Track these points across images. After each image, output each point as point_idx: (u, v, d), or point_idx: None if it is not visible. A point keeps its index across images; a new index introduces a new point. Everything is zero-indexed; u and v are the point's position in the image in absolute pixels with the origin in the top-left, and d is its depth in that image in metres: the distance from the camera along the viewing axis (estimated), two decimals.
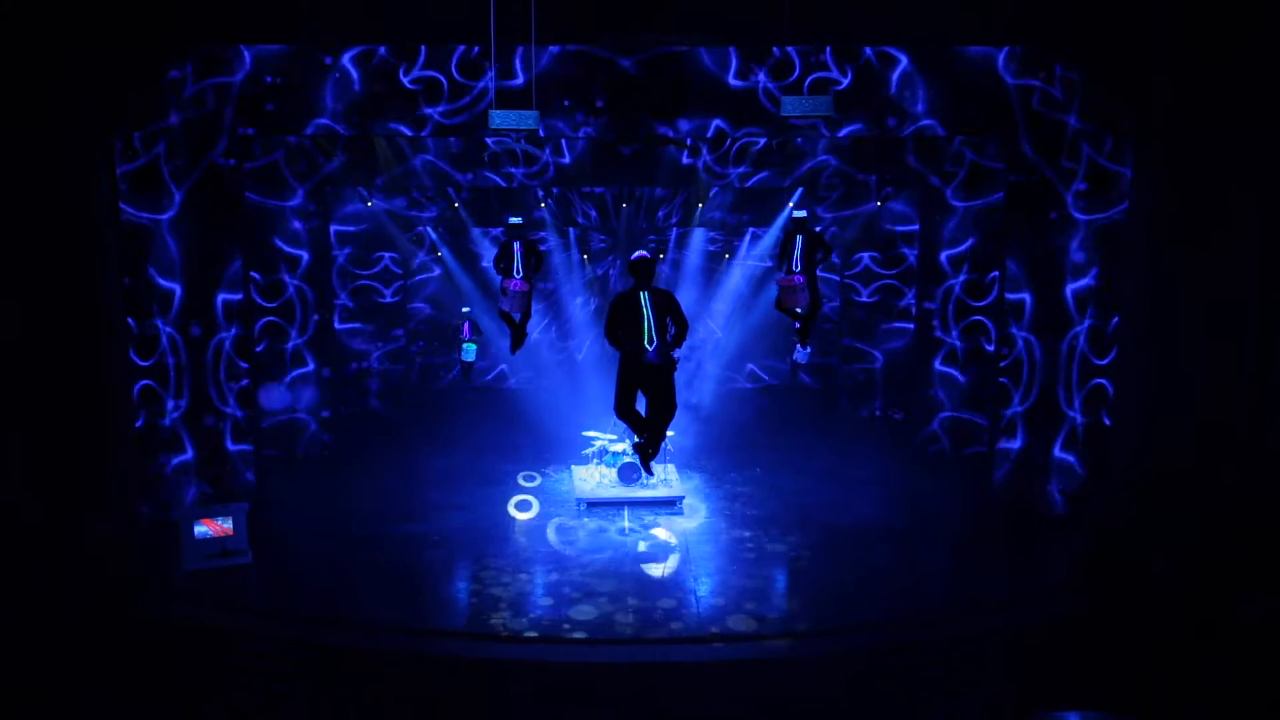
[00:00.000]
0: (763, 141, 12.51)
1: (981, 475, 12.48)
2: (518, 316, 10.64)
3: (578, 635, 9.13)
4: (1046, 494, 11.88)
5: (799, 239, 9.84)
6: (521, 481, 13.49)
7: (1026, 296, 11.61)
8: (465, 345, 15.07)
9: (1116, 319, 11.11)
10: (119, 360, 10.91)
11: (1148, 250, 10.28)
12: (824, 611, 9.64)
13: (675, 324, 6.79)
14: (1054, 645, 9.00)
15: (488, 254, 16.04)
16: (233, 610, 9.63)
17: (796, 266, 9.75)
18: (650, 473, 7.65)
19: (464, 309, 15.61)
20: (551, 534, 11.81)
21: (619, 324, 6.67)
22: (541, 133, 9.33)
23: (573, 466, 13.98)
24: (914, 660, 8.74)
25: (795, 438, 15.27)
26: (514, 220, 11.00)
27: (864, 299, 15.70)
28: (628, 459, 12.91)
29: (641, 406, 7.31)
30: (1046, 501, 11.87)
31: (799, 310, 10.00)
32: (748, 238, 16.38)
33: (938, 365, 14.34)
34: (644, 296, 6.66)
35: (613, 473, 13.12)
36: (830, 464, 14.45)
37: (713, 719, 8.19)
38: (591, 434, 13.78)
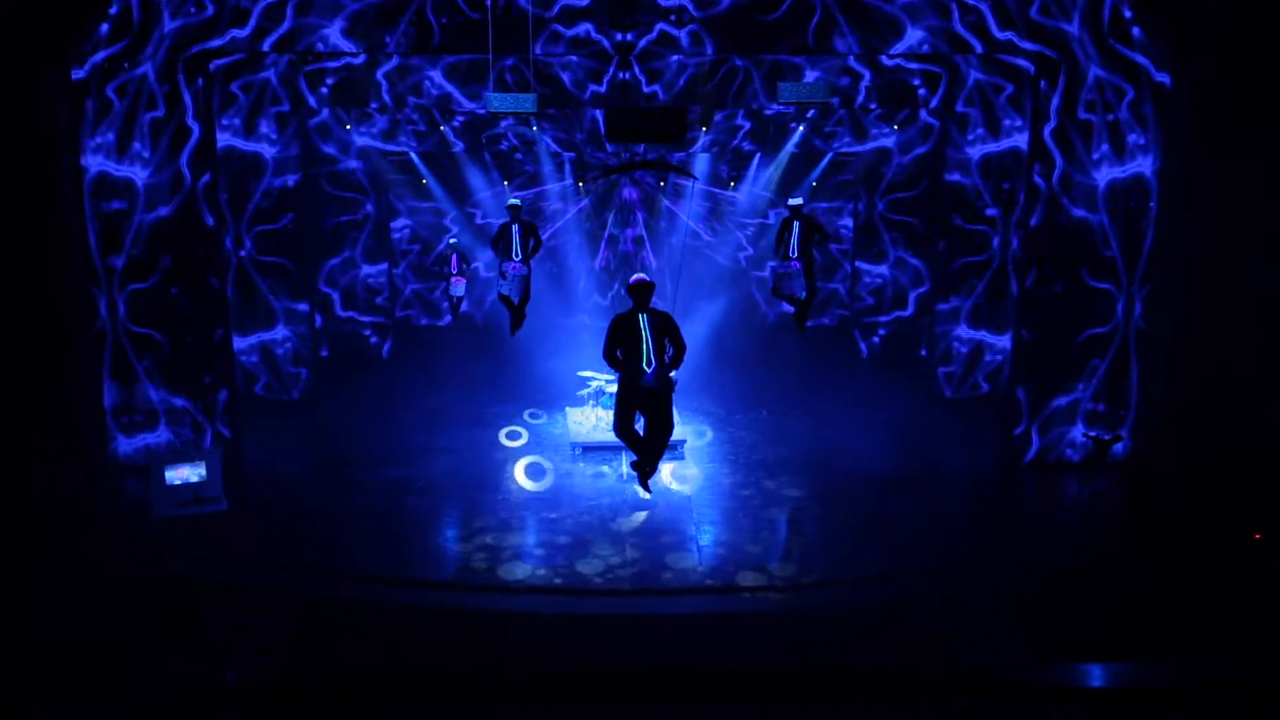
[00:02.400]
0: None
1: (1003, 417, 12.41)
2: (516, 299, 10.85)
3: (572, 586, 9.12)
4: (1073, 437, 11.87)
5: (795, 226, 10.19)
6: (527, 419, 13.69)
7: None
8: (453, 279, 14.86)
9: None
10: (80, 289, 10.76)
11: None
12: (831, 562, 9.64)
13: (673, 345, 7.08)
14: (1079, 595, 9.00)
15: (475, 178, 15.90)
16: (206, 560, 9.60)
17: (793, 253, 10.13)
18: (649, 490, 7.90)
19: (450, 239, 15.35)
20: (534, 476, 11.74)
21: (618, 345, 6.96)
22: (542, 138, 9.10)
23: (567, 408, 13.91)
24: (926, 613, 8.74)
25: (807, 373, 15.24)
26: (513, 201, 11.19)
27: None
28: None
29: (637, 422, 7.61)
30: (1072, 444, 11.86)
31: (799, 296, 10.30)
32: (755, 163, 16.03)
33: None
34: (643, 318, 6.93)
35: (609, 415, 12.95)
36: (842, 405, 14.39)
37: (714, 672, 8.24)
38: (587, 374, 13.68)
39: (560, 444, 13.08)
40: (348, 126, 14.75)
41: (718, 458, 12.74)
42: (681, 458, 12.42)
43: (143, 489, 10.57)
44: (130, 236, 11.11)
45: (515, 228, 10.85)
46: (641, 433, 7.37)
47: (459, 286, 14.76)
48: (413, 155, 15.77)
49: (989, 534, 10.25)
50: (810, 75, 12.46)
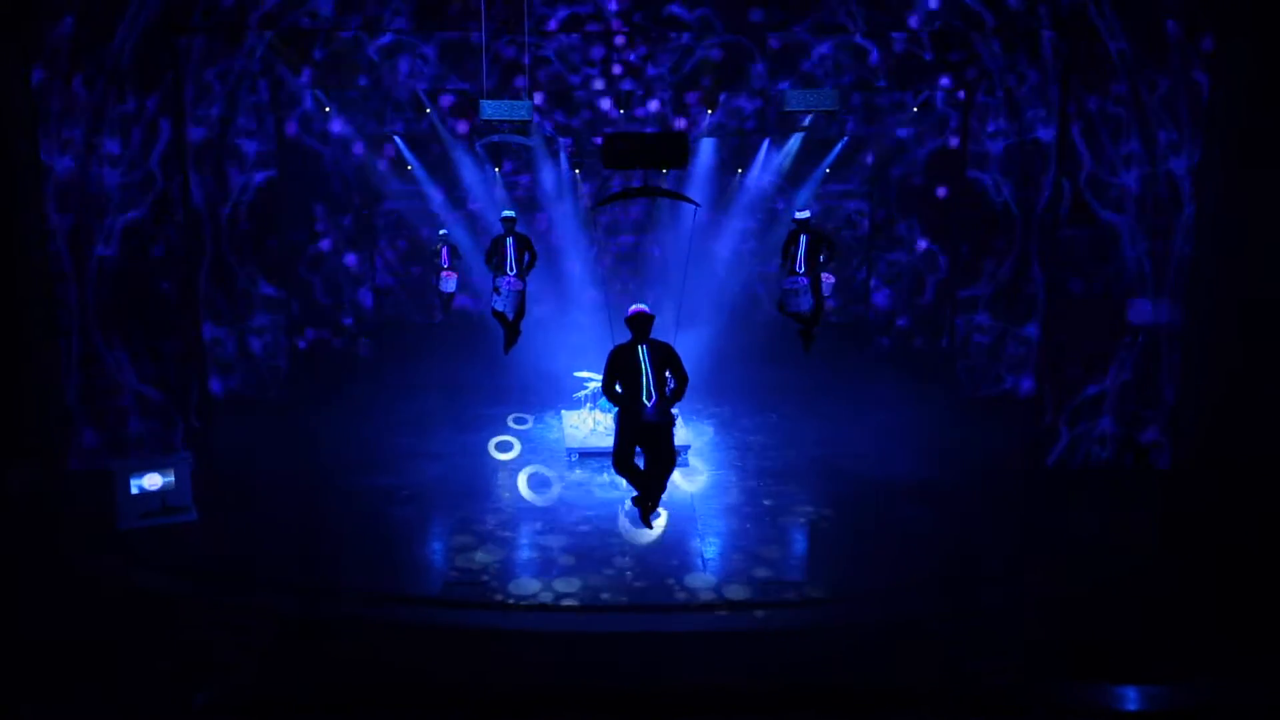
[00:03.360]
0: None
1: (1026, 416, 12.09)
2: (511, 315, 10.68)
3: (568, 603, 8.76)
4: (1100, 437, 11.50)
5: (803, 240, 10.03)
6: (512, 424, 13.19)
7: None
8: (443, 275, 14.47)
9: None
10: (38, 274, 10.37)
11: None
12: (842, 574, 9.30)
13: (674, 377, 7.06)
14: (1110, 611, 8.64)
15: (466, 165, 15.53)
16: (174, 574, 9.26)
17: (800, 268, 10.00)
18: (650, 526, 7.83)
19: (441, 231, 14.95)
20: (538, 488, 11.39)
21: (617, 378, 6.97)
22: (537, 120, 8.89)
23: (563, 412, 13.55)
24: (942, 628, 8.42)
25: (818, 377, 14.85)
26: (508, 214, 10.99)
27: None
28: None
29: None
30: (1100, 444, 11.52)
31: (805, 312, 10.18)
32: (764, 148, 15.67)
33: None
34: (642, 350, 6.96)
35: (608, 418, 12.68)
36: (857, 408, 14.04)
37: (719, 692, 7.96)
38: (584, 374, 13.28)
39: (555, 450, 12.68)
40: (327, 109, 14.32)
41: (724, 463, 12.35)
42: (685, 464, 12.03)
43: (105, 496, 10.12)
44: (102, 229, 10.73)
45: (510, 241, 10.65)
46: (642, 466, 7.32)
47: (449, 282, 14.37)
48: (398, 140, 15.37)
49: (1012, 542, 9.89)
50: (821, 48, 12.14)
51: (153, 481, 10.08)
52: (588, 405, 13.10)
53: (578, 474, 11.92)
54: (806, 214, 10.32)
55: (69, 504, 10.46)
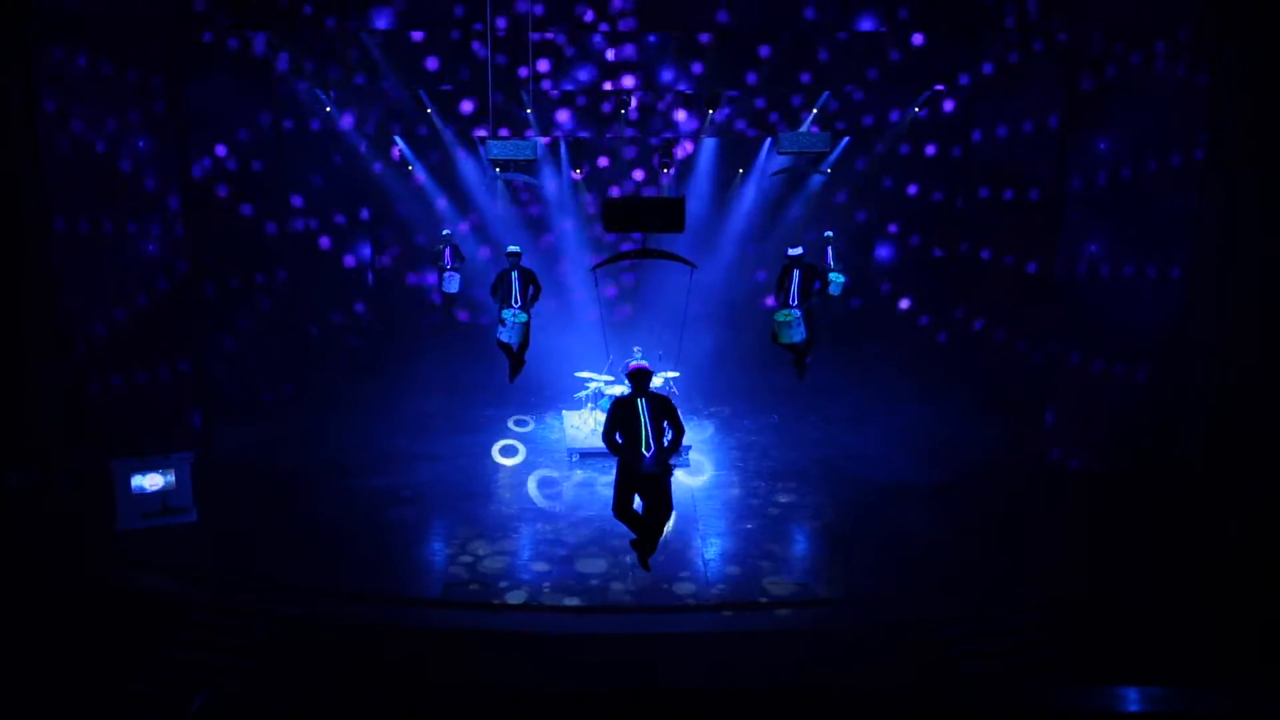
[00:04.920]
0: None
1: (1033, 420, 12.26)
2: (516, 346, 11.14)
3: (569, 603, 8.96)
4: (1105, 442, 11.62)
5: (796, 273, 10.65)
6: (512, 426, 13.32)
7: None
8: (446, 275, 14.69)
9: None
10: (36, 270, 10.58)
11: None
12: (846, 578, 9.47)
13: (672, 429, 7.54)
14: (1121, 616, 8.83)
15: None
16: (175, 576, 9.46)
17: (793, 301, 10.62)
18: (648, 569, 8.27)
19: (444, 231, 15.20)
20: (538, 489, 11.63)
21: (618, 429, 7.47)
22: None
23: (564, 412, 13.74)
24: (948, 634, 8.60)
25: (819, 378, 15.05)
26: (512, 249, 11.46)
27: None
28: None
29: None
30: (1106, 450, 11.62)
31: (797, 344, 10.66)
32: (765, 147, 15.91)
33: None
34: (642, 404, 7.45)
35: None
36: (860, 409, 14.21)
37: (719, 694, 8.16)
38: (585, 374, 13.51)
39: (556, 450, 12.91)
40: (328, 109, 14.60)
41: (725, 464, 12.56)
42: (687, 465, 12.27)
43: (105, 496, 10.36)
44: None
45: (515, 274, 11.09)
46: (639, 511, 7.80)
47: (452, 283, 14.58)
48: (398, 140, 15.65)
49: (1018, 548, 10.08)
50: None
51: (153, 482, 10.28)
52: (589, 405, 13.30)
53: (579, 475, 12.15)
54: (800, 250, 10.87)
55: (68, 504, 10.67)
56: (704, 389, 14.92)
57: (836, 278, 13.18)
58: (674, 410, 7.55)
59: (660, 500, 7.56)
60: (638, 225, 9.16)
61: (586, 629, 8.77)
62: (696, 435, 13.15)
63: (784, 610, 8.99)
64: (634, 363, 7.77)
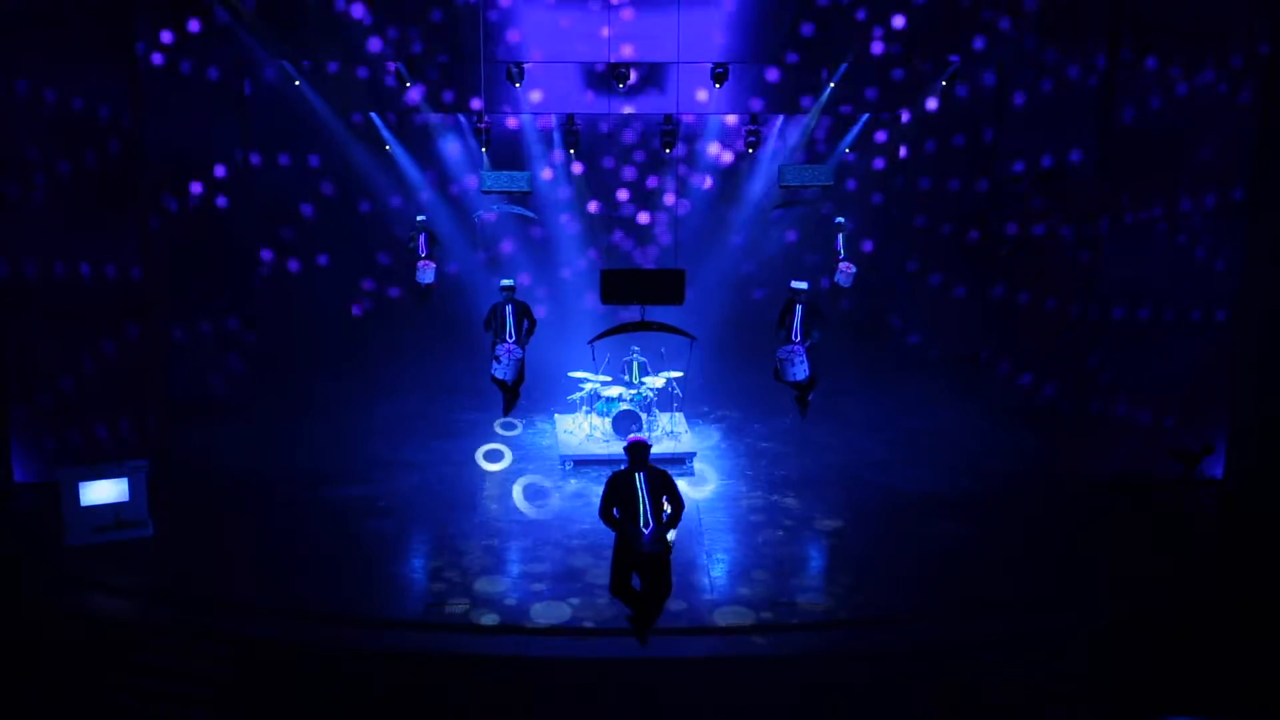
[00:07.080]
0: None
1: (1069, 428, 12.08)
2: (511, 381, 11.48)
3: (558, 624, 8.77)
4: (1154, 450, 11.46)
5: (798, 310, 11.08)
6: (498, 429, 13.18)
7: None
8: (420, 264, 14.42)
9: None
10: None
11: None
12: (865, 597, 9.27)
13: (671, 504, 7.62)
14: (1162, 641, 8.61)
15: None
16: (129, 595, 9.26)
17: (796, 337, 11.03)
18: (645, 643, 8.18)
19: (419, 218, 14.92)
20: (527, 499, 11.39)
21: (615, 504, 7.55)
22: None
23: (556, 415, 13.54)
24: (976, 658, 8.41)
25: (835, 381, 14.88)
26: (506, 282, 11.79)
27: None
28: (625, 406, 12.46)
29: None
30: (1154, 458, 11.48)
31: (800, 380, 11.08)
32: (777, 125, 15.68)
33: None
34: (640, 478, 7.53)
35: (605, 423, 12.64)
36: (881, 410, 14.07)
37: None
38: (579, 375, 13.25)
39: (548, 457, 12.65)
40: (296, 83, 14.29)
41: (733, 473, 12.31)
42: (691, 473, 12.01)
43: (52, 509, 10.08)
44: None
45: (509, 308, 11.44)
46: (638, 587, 7.79)
47: (427, 273, 14.28)
48: (374, 118, 15.39)
49: (1054, 565, 9.86)
50: None
51: (104, 492, 9.98)
52: (583, 408, 13.05)
53: (573, 484, 11.88)
54: (804, 285, 11.18)
55: (13, 519, 10.43)
56: (709, 390, 14.66)
57: (847, 268, 13.21)
58: (673, 484, 7.65)
59: (659, 580, 7.64)
60: (636, 298, 9.33)
61: (581, 653, 8.56)
62: (702, 443, 12.92)
63: (794, 632, 8.79)
64: (632, 436, 7.81)
